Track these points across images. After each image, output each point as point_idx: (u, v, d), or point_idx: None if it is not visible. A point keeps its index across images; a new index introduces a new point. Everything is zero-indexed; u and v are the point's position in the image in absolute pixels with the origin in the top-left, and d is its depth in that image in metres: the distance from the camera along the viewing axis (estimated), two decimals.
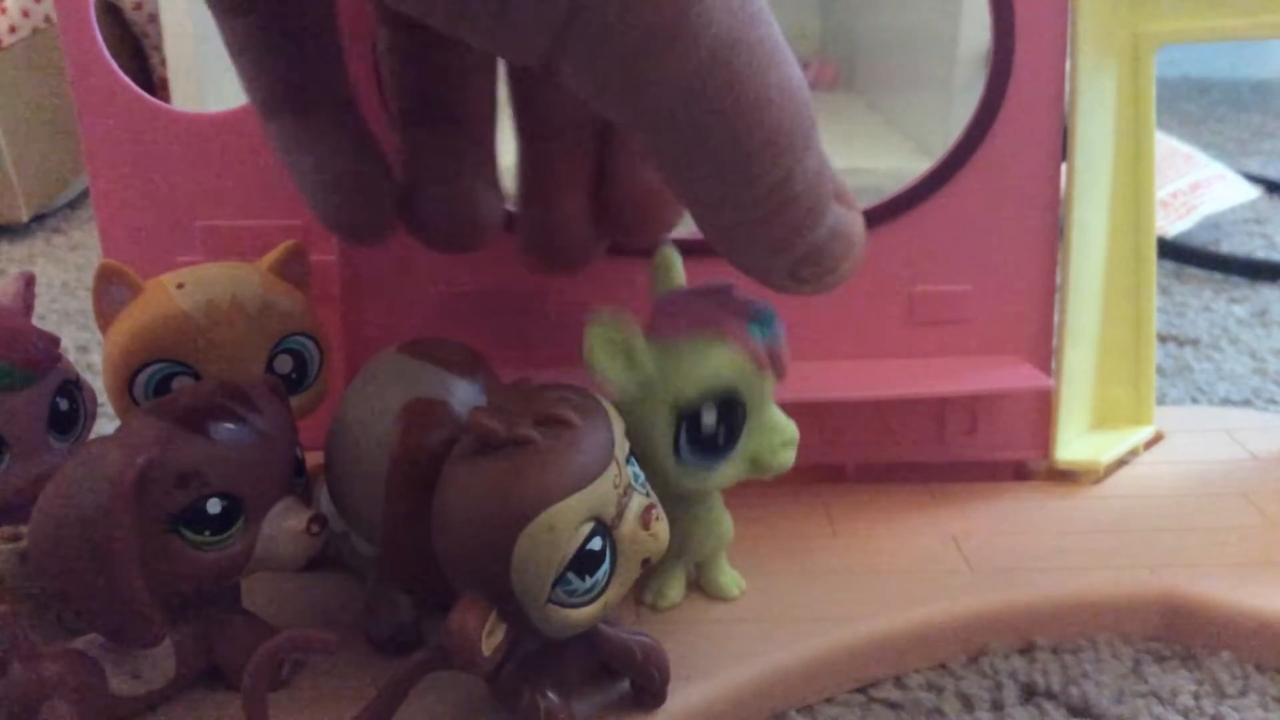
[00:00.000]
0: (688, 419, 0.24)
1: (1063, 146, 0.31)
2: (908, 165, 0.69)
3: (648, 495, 0.22)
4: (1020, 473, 0.33)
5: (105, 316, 0.26)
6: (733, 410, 0.24)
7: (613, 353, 0.23)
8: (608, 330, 0.23)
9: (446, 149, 0.25)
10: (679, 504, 0.25)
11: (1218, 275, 0.55)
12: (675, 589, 0.27)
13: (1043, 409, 0.32)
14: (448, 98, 0.25)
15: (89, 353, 0.45)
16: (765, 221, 0.20)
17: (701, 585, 0.27)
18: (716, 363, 0.24)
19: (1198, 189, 0.59)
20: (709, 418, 0.24)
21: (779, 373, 0.24)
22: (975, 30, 0.66)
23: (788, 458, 0.25)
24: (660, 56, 0.17)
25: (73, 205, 0.68)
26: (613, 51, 0.17)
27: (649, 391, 0.24)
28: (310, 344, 0.27)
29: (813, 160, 0.19)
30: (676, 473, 0.24)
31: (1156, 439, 0.35)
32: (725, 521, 0.27)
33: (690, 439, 0.24)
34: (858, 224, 0.21)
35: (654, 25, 0.16)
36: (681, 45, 0.17)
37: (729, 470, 0.25)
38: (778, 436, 0.25)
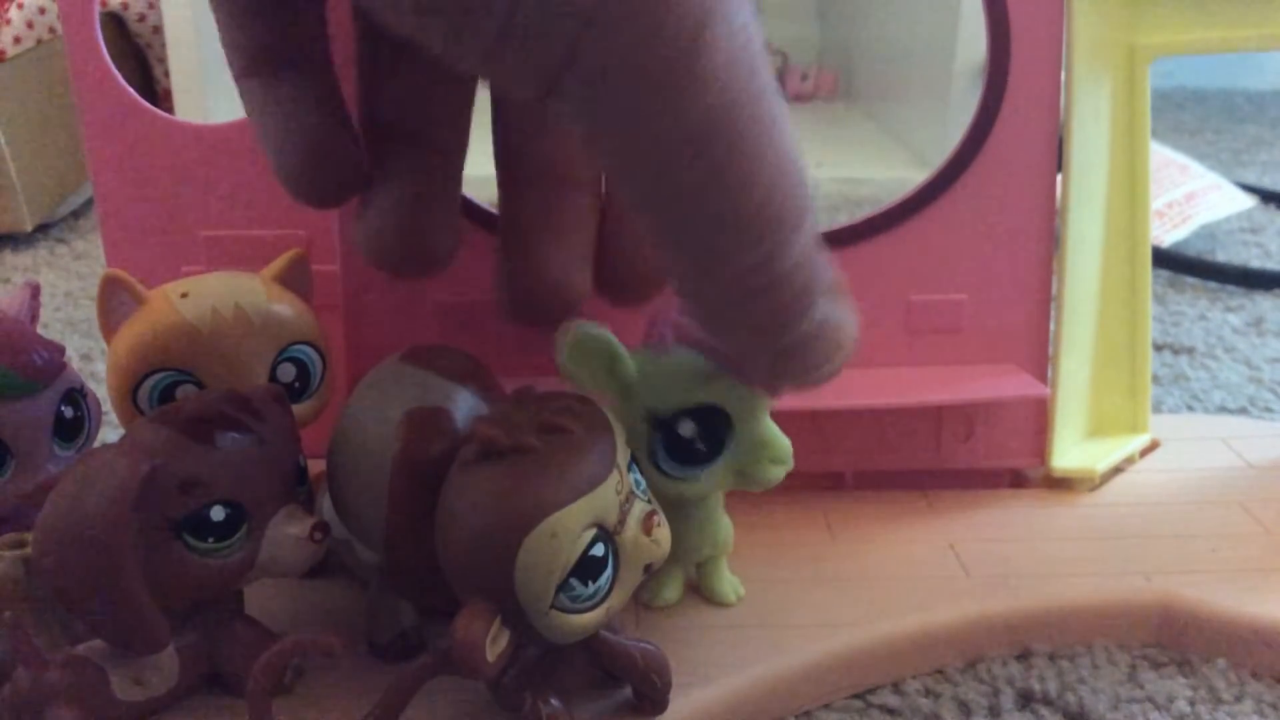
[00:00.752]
0: (664, 428, 0.24)
1: (1058, 157, 0.31)
2: (905, 175, 0.69)
3: (649, 502, 0.22)
4: (1017, 480, 0.33)
5: (109, 325, 0.26)
6: (715, 422, 0.24)
7: (586, 361, 0.24)
8: (583, 340, 0.23)
9: (407, 170, 0.24)
10: (675, 507, 0.25)
11: (1213, 284, 0.55)
12: (671, 589, 0.27)
13: (1039, 417, 0.33)
14: (416, 115, 0.24)
15: (93, 361, 0.45)
16: (747, 302, 0.19)
17: (701, 590, 0.27)
18: (694, 380, 0.24)
19: (1193, 199, 0.60)
20: (685, 429, 0.24)
21: (772, 390, 0.24)
22: (972, 41, 0.66)
23: (776, 474, 0.25)
24: (660, 104, 0.17)
25: (76, 215, 0.68)
26: (615, 92, 0.16)
27: (630, 397, 0.24)
28: (313, 353, 0.27)
29: (801, 245, 0.19)
30: (655, 478, 0.24)
31: (1152, 447, 0.35)
32: (723, 527, 0.27)
33: (667, 448, 0.24)
34: (848, 325, 0.21)
35: (657, 72, 0.16)
36: (684, 97, 0.17)
37: (711, 479, 0.25)
38: (767, 452, 0.25)
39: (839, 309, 0.21)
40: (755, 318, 0.20)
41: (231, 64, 0.23)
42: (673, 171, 0.17)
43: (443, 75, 0.23)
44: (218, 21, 0.22)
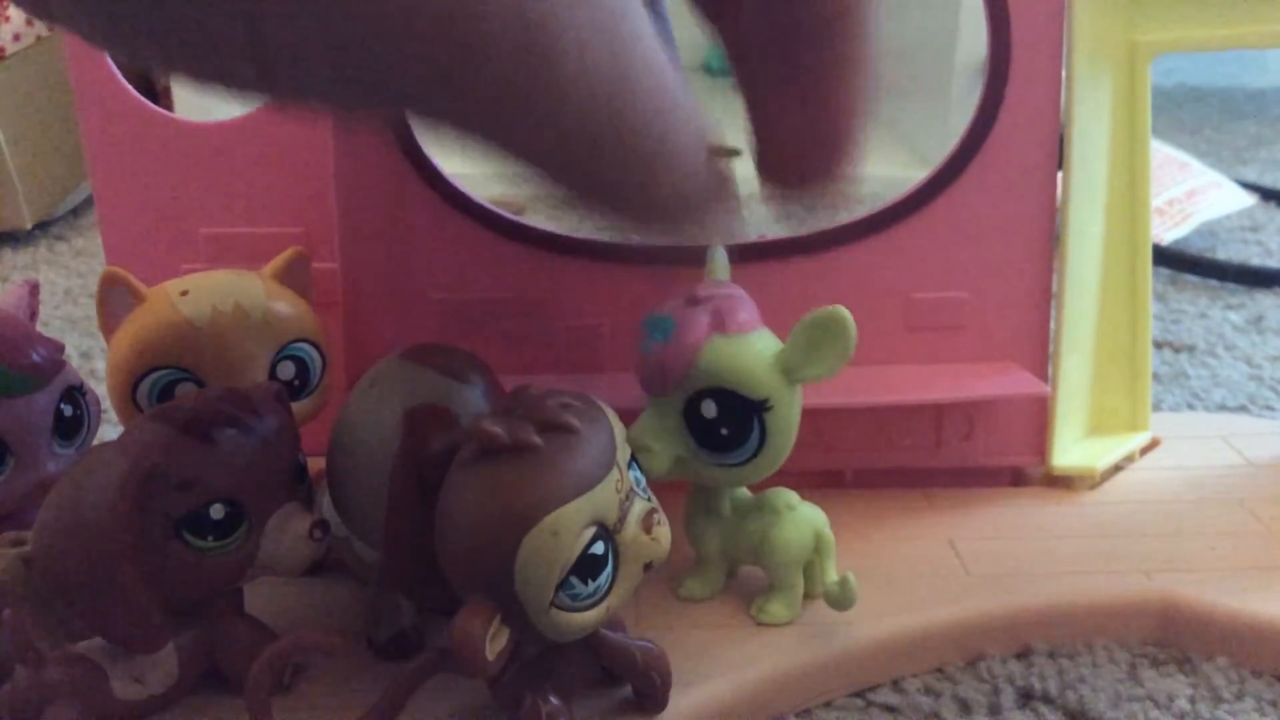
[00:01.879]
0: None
1: (1059, 154, 0.31)
2: (905, 173, 0.69)
3: (649, 500, 0.22)
4: (1017, 478, 0.33)
5: (109, 323, 0.26)
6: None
7: None
8: None
9: None
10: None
11: (1213, 282, 0.55)
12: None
13: (1039, 415, 0.33)
14: None
15: (92, 359, 0.45)
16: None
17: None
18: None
19: (1193, 196, 0.60)
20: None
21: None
22: (973, 39, 0.66)
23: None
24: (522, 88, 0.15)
25: (76, 212, 0.68)
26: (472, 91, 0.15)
27: None
28: (313, 350, 0.27)
29: (691, 164, 0.18)
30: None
31: (1152, 445, 0.35)
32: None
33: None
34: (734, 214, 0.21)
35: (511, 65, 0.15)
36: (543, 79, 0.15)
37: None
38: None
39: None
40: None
41: None
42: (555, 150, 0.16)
43: None
44: None
